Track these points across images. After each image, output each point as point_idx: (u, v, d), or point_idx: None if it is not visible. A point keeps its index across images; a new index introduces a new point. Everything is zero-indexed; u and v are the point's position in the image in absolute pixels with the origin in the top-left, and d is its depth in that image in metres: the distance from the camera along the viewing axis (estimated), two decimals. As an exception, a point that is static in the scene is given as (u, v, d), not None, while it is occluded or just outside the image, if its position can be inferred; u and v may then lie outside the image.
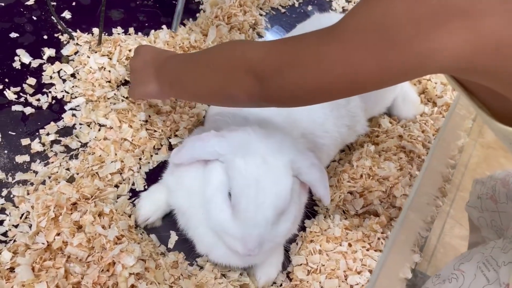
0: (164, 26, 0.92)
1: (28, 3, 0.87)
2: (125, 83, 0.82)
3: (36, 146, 0.71)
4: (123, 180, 0.71)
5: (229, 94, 0.53)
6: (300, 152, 0.63)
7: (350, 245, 0.73)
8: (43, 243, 0.59)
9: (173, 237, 0.68)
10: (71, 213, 0.63)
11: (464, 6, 0.36)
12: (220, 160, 0.60)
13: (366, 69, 0.42)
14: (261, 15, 1.04)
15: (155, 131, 0.77)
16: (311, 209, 0.77)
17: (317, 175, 0.63)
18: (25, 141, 0.71)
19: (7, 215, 0.64)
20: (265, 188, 0.57)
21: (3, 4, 0.85)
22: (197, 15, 0.97)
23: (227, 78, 0.53)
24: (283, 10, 1.08)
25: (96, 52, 0.83)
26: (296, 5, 1.10)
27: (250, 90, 0.51)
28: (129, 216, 0.68)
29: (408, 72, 0.42)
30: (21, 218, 0.64)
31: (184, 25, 0.95)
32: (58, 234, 0.61)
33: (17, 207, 0.65)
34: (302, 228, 0.74)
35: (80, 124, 0.76)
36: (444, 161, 0.92)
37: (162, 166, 0.74)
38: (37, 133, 0.73)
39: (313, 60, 0.45)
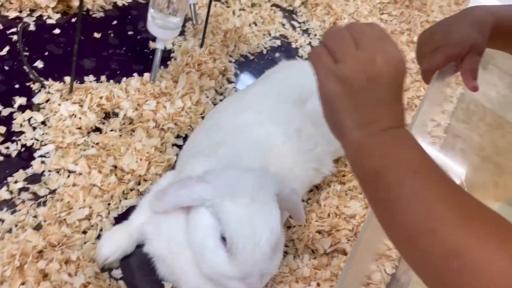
0: (135, 74, 0.95)
1: (0, 53, 0.89)
2: (96, 129, 0.84)
3: (3, 194, 0.71)
4: (91, 226, 0.71)
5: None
6: (280, 183, 0.66)
7: (318, 284, 0.73)
8: (7, 293, 0.59)
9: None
10: (37, 261, 0.63)
11: None
12: (206, 205, 0.61)
13: None
14: (230, 61, 1.08)
15: (124, 176, 0.78)
16: (281, 250, 0.78)
17: (295, 200, 0.69)
18: (-8, 189, 0.71)
19: (-29, 265, 0.63)
20: (259, 226, 0.59)
21: (-25, 55, 0.87)
22: (168, 62, 1.00)
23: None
24: (251, 57, 1.12)
25: (67, 100, 0.85)
26: (264, 52, 1.15)
27: None
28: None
29: None
30: (-15, 268, 0.63)
31: (155, 72, 0.98)
32: (23, 283, 0.60)
33: (-19, 256, 0.64)
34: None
35: (49, 171, 0.76)
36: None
37: (131, 211, 0.75)
38: (5, 181, 0.73)
39: None
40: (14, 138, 0.78)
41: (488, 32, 0.56)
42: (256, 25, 1.19)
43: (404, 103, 0.43)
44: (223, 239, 0.59)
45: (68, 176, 0.76)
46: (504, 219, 0.34)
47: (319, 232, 0.82)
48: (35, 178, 0.75)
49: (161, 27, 0.81)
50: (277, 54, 1.15)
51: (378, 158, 0.39)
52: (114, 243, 0.69)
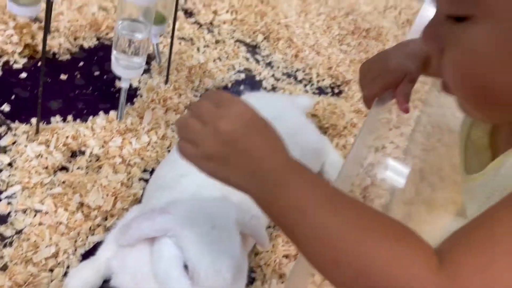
0: (101, 112, 0.97)
1: (-33, 99, 0.91)
2: (62, 168, 0.85)
3: (-32, 237, 0.72)
4: (58, 263, 0.72)
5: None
6: (241, 210, 0.68)
7: (285, 308, 0.75)
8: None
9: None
10: (2, 302, 0.64)
11: None
12: (168, 235, 0.64)
13: None
14: (195, 96, 1.12)
15: (90, 212, 0.79)
16: (248, 276, 0.80)
17: (257, 225, 0.70)
18: (-43, 233, 0.72)
19: None
20: (220, 253, 0.61)
21: None
22: (134, 100, 1.04)
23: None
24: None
25: (33, 141, 0.87)
26: (229, 85, 1.19)
27: None
28: (64, 299, 0.68)
29: None
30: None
31: (122, 110, 1.01)
32: (-13, 325, 0.61)
33: None
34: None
35: (16, 211, 0.77)
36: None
37: (98, 247, 0.76)
38: (-30, 224, 0.74)
39: None
40: (-20, 181, 0.79)
41: (420, 62, 0.62)
42: (220, 60, 1.24)
43: (278, 139, 0.45)
44: (186, 267, 0.61)
45: (35, 216, 0.77)
46: (403, 226, 0.37)
47: (286, 256, 0.84)
48: (2, 219, 0.76)
49: (124, 67, 0.84)
50: (241, 87, 1.20)
51: (276, 209, 0.41)
52: (81, 279, 0.69)
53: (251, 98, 1.01)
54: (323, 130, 1.12)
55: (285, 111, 0.98)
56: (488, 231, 0.34)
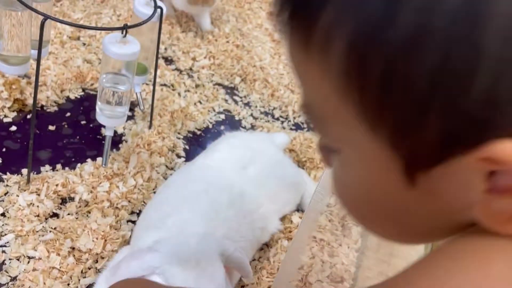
0: (89, 159, 1.02)
1: (-41, 154, 0.96)
2: (53, 215, 0.90)
3: (-35, 287, 0.75)
4: (52, 307, 0.76)
5: None
6: (224, 243, 0.73)
7: (271, 336, 0.79)
8: None
9: None
10: None
11: None
12: (157, 272, 0.68)
13: None
14: (178, 138, 1.18)
15: (82, 256, 0.83)
16: (235, 308, 0.84)
17: (240, 258, 0.74)
18: (-47, 283, 0.75)
19: None
20: (204, 286, 0.65)
21: None
22: (120, 145, 1.09)
23: None
24: (199, 132, 1.23)
25: (25, 191, 0.91)
26: (210, 126, 1.26)
27: None
28: None
29: None
30: None
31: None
32: None
33: None
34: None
35: (10, 259, 0.81)
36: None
37: (90, 288, 0.80)
38: (-34, 274, 0.77)
39: None
40: (-26, 232, 0.83)
41: None
42: (201, 103, 1.32)
43: None
44: None
45: (28, 262, 0.81)
46: None
47: (270, 287, 0.89)
48: (-4, 268, 0.79)
49: (109, 117, 0.90)
50: (222, 127, 1.27)
51: None
52: None
53: (231, 139, 1.08)
54: (301, 163, 1.18)
55: (263, 149, 1.04)
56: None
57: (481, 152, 0.27)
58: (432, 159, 0.28)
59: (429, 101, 0.27)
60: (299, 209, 1.09)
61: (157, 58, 1.07)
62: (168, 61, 1.44)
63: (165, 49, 1.47)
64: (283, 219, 1.04)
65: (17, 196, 0.90)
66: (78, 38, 1.39)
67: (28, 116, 1.10)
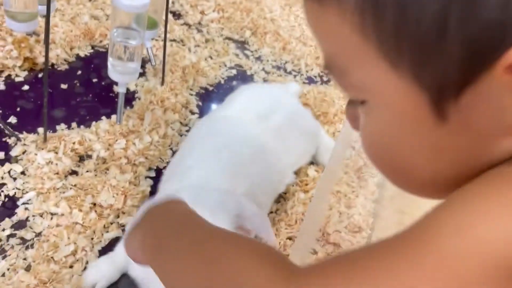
0: (103, 117, 1.02)
1: (-25, 114, 0.96)
2: (72, 172, 0.90)
3: (-8, 243, 0.77)
4: (77, 260, 0.78)
5: None
6: (242, 205, 0.73)
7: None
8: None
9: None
10: (31, 298, 0.69)
11: None
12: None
13: None
14: (191, 94, 1.17)
15: (103, 211, 0.84)
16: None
17: (258, 222, 0.74)
18: (-19, 240, 0.77)
19: (-31, 311, 0.68)
20: None
21: (-49, 119, 0.94)
22: (133, 103, 1.09)
23: None
24: (211, 88, 1.22)
25: (42, 149, 0.91)
26: (222, 82, 1.24)
27: None
28: (87, 292, 0.74)
29: None
30: (-17, 311, 0.68)
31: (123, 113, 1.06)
32: (20, 320, 0.66)
33: (-22, 302, 0.70)
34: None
35: (33, 216, 0.82)
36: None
37: (113, 244, 0.81)
38: (-8, 231, 0.79)
39: None
40: (-4, 190, 0.84)
41: None
42: (211, 58, 1.29)
43: None
44: None
45: (51, 218, 0.82)
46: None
47: (289, 238, 0.90)
48: (21, 224, 0.81)
49: (121, 73, 0.89)
50: (234, 83, 1.25)
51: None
52: (99, 272, 0.75)
53: (247, 91, 1.07)
54: (315, 118, 1.17)
55: (282, 99, 1.03)
56: (356, 256, 0.30)
57: (505, 59, 0.26)
58: (458, 82, 0.28)
59: (446, 16, 0.26)
60: (314, 161, 1.09)
61: (167, 12, 1.04)
62: (176, 15, 1.41)
63: (173, 2, 1.43)
64: (298, 172, 1.05)
65: (35, 154, 0.90)
66: (84, -6, 1.35)
67: (40, 75, 1.08)
